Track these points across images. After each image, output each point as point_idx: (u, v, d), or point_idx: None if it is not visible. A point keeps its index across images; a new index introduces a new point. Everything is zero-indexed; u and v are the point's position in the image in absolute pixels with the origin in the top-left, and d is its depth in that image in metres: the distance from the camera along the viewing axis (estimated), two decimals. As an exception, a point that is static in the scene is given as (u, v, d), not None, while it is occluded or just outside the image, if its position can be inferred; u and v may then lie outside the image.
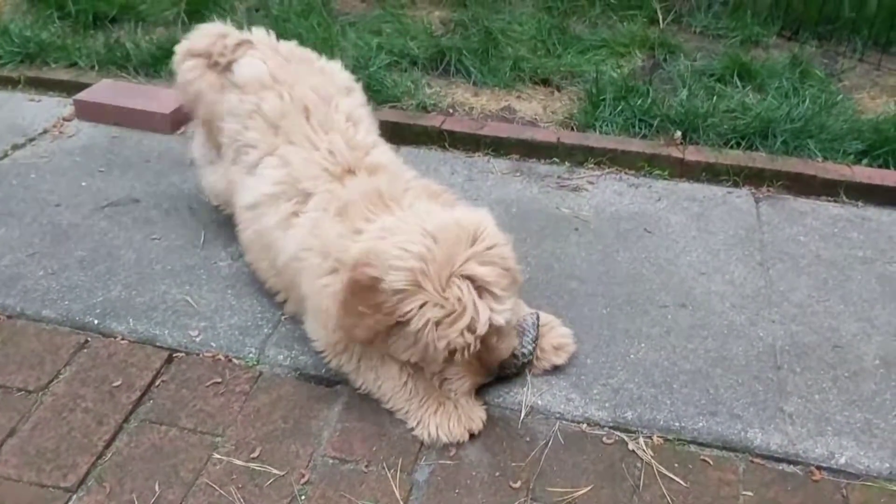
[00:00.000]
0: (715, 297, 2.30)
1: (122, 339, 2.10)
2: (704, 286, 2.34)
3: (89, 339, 2.09)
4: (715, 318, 2.22)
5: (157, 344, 2.08)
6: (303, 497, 1.71)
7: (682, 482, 1.76)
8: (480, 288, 1.69)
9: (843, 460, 1.82)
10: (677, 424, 1.88)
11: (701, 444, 1.85)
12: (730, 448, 1.85)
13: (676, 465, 1.80)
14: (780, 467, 1.81)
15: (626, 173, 2.88)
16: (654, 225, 2.60)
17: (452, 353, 1.70)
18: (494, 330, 1.73)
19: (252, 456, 1.79)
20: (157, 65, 3.36)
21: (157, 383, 1.98)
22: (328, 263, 1.81)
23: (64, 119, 3.09)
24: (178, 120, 3.02)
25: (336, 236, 1.81)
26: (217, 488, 1.72)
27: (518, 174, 2.87)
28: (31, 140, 2.95)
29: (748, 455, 1.83)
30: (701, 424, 1.89)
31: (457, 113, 3.15)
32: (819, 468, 1.81)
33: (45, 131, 3.01)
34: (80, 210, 2.56)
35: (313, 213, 1.92)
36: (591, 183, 2.82)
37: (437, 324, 1.67)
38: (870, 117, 3.08)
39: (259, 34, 2.29)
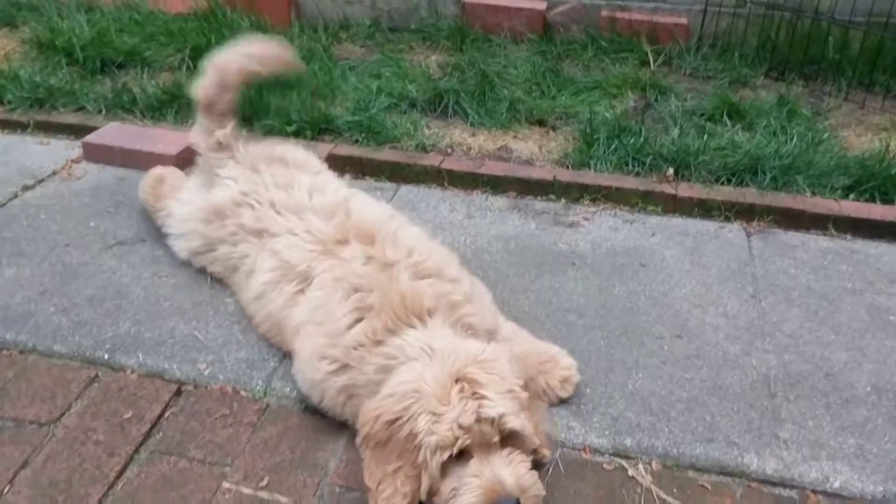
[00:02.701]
0: (709, 328, 2.36)
1: (132, 372, 2.15)
2: (699, 318, 2.40)
3: (99, 373, 2.14)
4: (710, 348, 2.28)
5: (166, 377, 2.13)
6: (311, 525, 1.75)
7: (680, 505, 1.81)
8: (476, 390, 1.72)
9: (837, 484, 1.86)
10: (675, 451, 1.93)
11: (699, 470, 1.90)
12: (727, 473, 1.89)
13: (675, 490, 1.85)
14: (777, 491, 1.86)
15: (620, 209, 2.96)
16: (648, 259, 2.67)
17: (446, 450, 1.69)
18: (505, 433, 1.73)
19: (261, 485, 1.83)
20: (162, 108, 3.46)
21: (166, 415, 2.02)
22: (336, 353, 1.89)
23: (72, 161, 3.17)
24: (183, 161, 3.10)
25: (353, 342, 1.87)
26: (227, 517, 1.76)
27: (516, 211, 2.95)
28: (41, 181, 3.03)
29: (745, 480, 1.88)
30: (698, 451, 1.93)
31: (455, 153, 3.24)
32: (814, 492, 1.85)
33: (55, 173, 3.09)
34: (88, 249, 2.63)
35: (317, 291, 2.01)
36: (586, 219, 2.90)
37: (434, 421, 1.69)
38: (856, 153, 3.18)
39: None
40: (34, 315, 2.33)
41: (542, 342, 2.15)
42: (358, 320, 1.89)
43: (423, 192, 3.06)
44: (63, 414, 2.01)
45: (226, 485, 1.83)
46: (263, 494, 1.81)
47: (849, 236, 2.83)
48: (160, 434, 1.97)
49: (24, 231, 2.72)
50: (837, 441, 1.97)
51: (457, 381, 1.71)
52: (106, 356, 2.19)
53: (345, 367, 1.87)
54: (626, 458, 1.92)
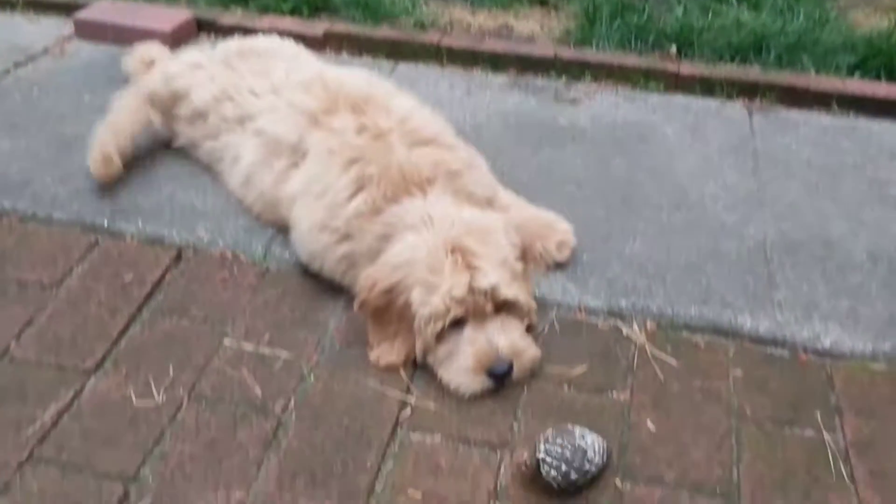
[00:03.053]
0: (708, 199, 2.36)
1: (132, 238, 2.16)
2: (698, 189, 2.40)
3: (99, 239, 2.15)
4: (708, 218, 2.28)
5: (166, 243, 2.14)
6: (312, 377, 1.79)
7: (674, 363, 1.84)
8: (470, 260, 1.73)
9: (828, 343, 1.90)
10: (670, 311, 1.96)
11: (693, 330, 1.93)
12: (720, 333, 1.92)
13: (669, 347, 1.88)
14: (769, 350, 1.89)
15: (622, 87, 2.92)
16: (649, 134, 2.65)
17: (440, 319, 1.72)
18: (499, 302, 1.75)
19: (262, 342, 1.86)
20: (156, -15, 3.37)
21: (166, 278, 2.04)
22: (337, 223, 1.89)
23: (64, 39, 3.11)
24: (178, 38, 3.05)
25: (353, 212, 1.87)
26: (228, 369, 1.79)
27: (516, 88, 2.90)
28: (32, 58, 2.97)
29: (738, 339, 1.91)
30: (693, 311, 1.96)
31: (454, 30, 3.17)
32: (805, 350, 1.89)
33: (46, 50, 3.03)
34: (83, 122, 2.58)
35: (313, 165, 1.98)
36: (587, 96, 2.86)
37: (427, 292, 1.71)
38: (863, 31, 3.12)
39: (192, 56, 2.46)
40: (32, 184, 2.32)
41: (539, 209, 2.14)
42: (358, 191, 1.88)
43: (421, 70, 3.01)
44: (65, 277, 2.03)
45: (227, 342, 1.86)
46: (265, 350, 1.84)
47: (852, 114, 2.80)
48: (161, 296, 1.99)
49: (17, 105, 2.69)
50: (830, 303, 2.00)
51: (452, 251, 1.72)
52: (105, 223, 2.19)
53: (346, 237, 1.88)
54: (621, 318, 1.95)
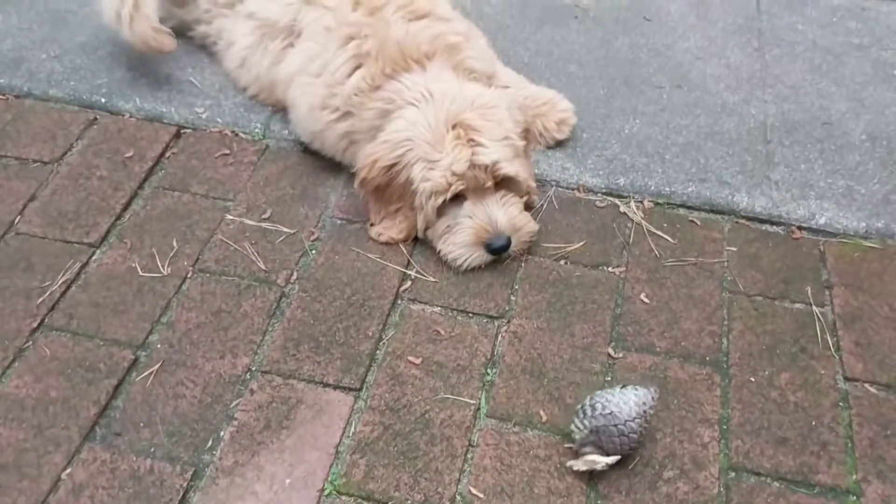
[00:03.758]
0: (710, 79, 2.34)
1: (130, 116, 2.15)
2: (700, 69, 2.37)
3: (98, 116, 2.14)
4: (709, 97, 2.27)
5: (165, 120, 2.14)
6: (313, 251, 1.82)
7: (669, 239, 1.87)
8: (472, 136, 1.73)
9: (822, 221, 1.93)
10: (667, 189, 1.98)
11: (689, 208, 1.96)
12: (717, 211, 1.95)
13: (665, 225, 1.91)
14: (764, 227, 1.92)
15: (627, -36, 2.84)
16: (653, 13, 2.60)
17: (440, 195, 1.74)
18: (498, 178, 1.77)
19: (263, 217, 1.89)
20: None
21: (167, 155, 2.05)
22: (337, 102, 1.87)
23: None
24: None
25: (352, 90, 1.84)
26: (231, 243, 1.82)
27: (518, -35, 2.82)
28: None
29: (734, 217, 1.94)
30: (690, 189, 1.98)
31: None
32: (800, 228, 1.92)
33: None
34: (74, -3, 2.54)
35: (309, 43, 1.94)
36: (591, -26, 2.78)
37: (429, 168, 1.72)
38: None
39: None
40: (27, 61, 2.29)
41: (540, 87, 2.13)
42: (357, 67, 1.85)
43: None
44: (65, 153, 2.03)
45: (229, 216, 1.89)
46: (266, 225, 1.87)
47: (863, -6, 2.74)
48: (162, 172, 2.00)
49: (4, -23, 2.62)
50: (827, 182, 2.01)
51: (453, 126, 1.72)
52: (103, 100, 2.18)
53: (346, 115, 1.87)
54: (619, 196, 1.97)
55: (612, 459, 1.41)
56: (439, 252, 1.80)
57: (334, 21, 1.92)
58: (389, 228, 1.84)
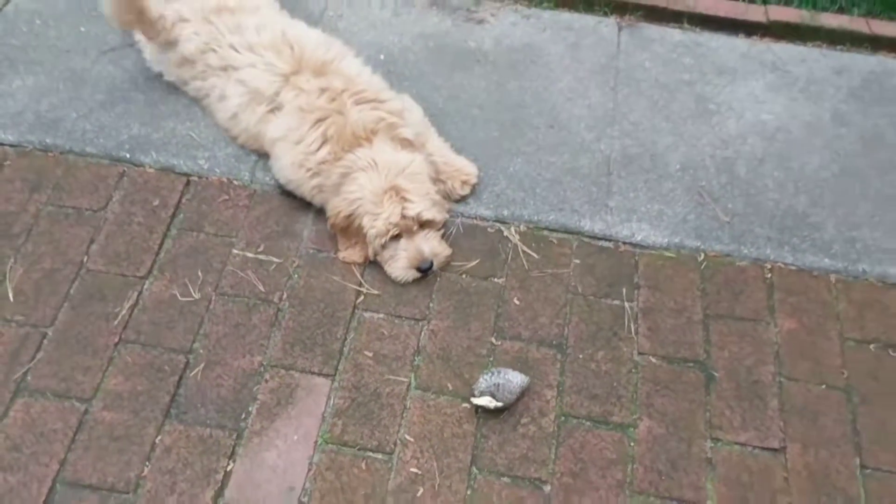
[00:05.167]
0: (575, 119, 3.18)
1: (150, 167, 2.92)
2: (569, 110, 3.21)
3: (125, 169, 2.91)
4: (573, 136, 3.12)
5: (177, 171, 2.92)
6: (296, 276, 2.68)
7: (535, 255, 2.78)
8: (402, 195, 2.57)
9: (639, 238, 2.84)
10: (536, 217, 2.86)
11: (550, 230, 2.85)
12: (569, 232, 2.84)
13: (533, 244, 2.81)
14: (600, 244, 2.83)
15: (520, 5, 3.60)
16: (538, 56, 3.40)
17: (382, 237, 2.58)
18: (422, 222, 2.62)
19: (259, 250, 2.73)
20: None
21: (183, 201, 2.84)
22: (310, 165, 2.67)
23: (45, -42, 3.59)
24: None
25: (321, 159, 2.64)
26: (239, 272, 2.67)
27: (435, 7, 3.56)
28: (25, -17, 3.49)
29: (580, 236, 2.84)
30: (552, 217, 2.87)
31: (383, -54, 3.74)
32: (624, 243, 2.83)
33: (33, -27, 3.54)
34: (87, 56, 3.23)
35: (288, 118, 2.72)
36: (492, 15, 3.55)
37: (373, 219, 2.57)
38: (721, -53, 3.79)
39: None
40: (63, 120, 3.02)
41: (456, 156, 2.92)
42: (323, 144, 2.66)
43: (357, -12, 3.63)
44: (108, 203, 2.82)
45: (234, 251, 2.73)
46: (262, 256, 2.72)
47: (698, 30, 3.56)
48: (182, 216, 2.81)
49: (27, 38, 3.28)
50: (646, 207, 2.92)
51: (389, 189, 2.57)
52: (128, 155, 2.94)
53: (316, 174, 2.69)
54: (503, 223, 2.86)
55: (500, 405, 2.37)
56: (387, 273, 2.69)
57: (306, 103, 2.71)
58: (351, 254, 2.71)
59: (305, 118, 2.70)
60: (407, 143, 2.76)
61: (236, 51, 2.87)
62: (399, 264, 2.65)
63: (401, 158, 2.66)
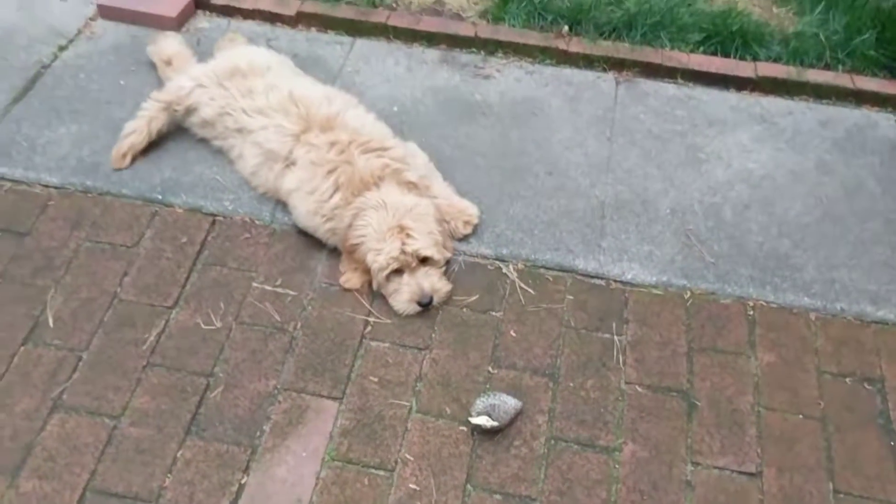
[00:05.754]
0: (572, 166, 3.42)
1: (179, 208, 3.19)
2: (567, 158, 3.45)
3: (157, 209, 3.18)
4: (570, 182, 3.36)
5: (204, 211, 3.18)
6: (309, 307, 2.91)
7: (531, 291, 2.99)
8: (406, 232, 2.81)
9: (629, 276, 3.04)
10: (533, 256, 3.08)
11: (546, 268, 3.06)
12: (564, 270, 3.06)
13: (530, 281, 3.02)
14: (593, 281, 3.04)
15: (525, 62, 3.87)
16: (539, 108, 3.66)
17: (384, 271, 2.82)
18: (421, 258, 2.85)
19: (276, 284, 2.97)
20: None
21: (208, 239, 3.10)
22: (324, 212, 2.93)
23: (90, 19, 3.94)
24: (182, 20, 3.91)
25: (333, 206, 2.91)
26: (258, 303, 2.91)
27: (445, 64, 3.85)
28: (71, 41, 3.83)
29: (574, 274, 3.05)
30: (548, 256, 3.09)
31: (398, 8, 4.05)
32: (615, 281, 3.03)
33: (80, 32, 3.88)
34: (125, 107, 3.53)
35: (302, 172, 2.98)
36: (498, 71, 3.83)
37: (376, 254, 2.81)
38: (714, 8, 4.05)
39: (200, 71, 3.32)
40: (102, 164, 3.31)
41: (459, 198, 3.16)
42: (335, 192, 2.92)
43: (373, 46, 3.92)
44: (140, 239, 3.08)
45: (254, 284, 2.97)
46: (279, 289, 2.96)
47: (691, 84, 3.81)
48: (207, 252, 3.06)
49: (72, 91, 3.60)
50: (637, 248, 3.13)
51: (393, 227, 2.81)
52: (159, 196, 3.21)
53: (330, 219, 2.94)
54: (502, 261, 3.08)
55: (495, 425, 2.55)
56: (390, 305, 2.91)
57: (318, 158, 2.97)
58: (351, 278, 2.94)
59: (318, 171, 2.96)
60: (412, 186, 3.00)
61: (248, 115, 3.15)
62: (401, 297, 2.87)
63: (408, 200, 2.91)
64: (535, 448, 2.59)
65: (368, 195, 2.90)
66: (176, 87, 3.32)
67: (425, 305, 2.88)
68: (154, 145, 3.38)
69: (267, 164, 3.10)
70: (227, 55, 3.42)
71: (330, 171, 2.94)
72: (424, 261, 2.89)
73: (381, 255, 2.82)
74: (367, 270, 2.91)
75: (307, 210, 2.98)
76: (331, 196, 2.93)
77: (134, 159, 3.31)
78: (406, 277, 2.87)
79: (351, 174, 2.92)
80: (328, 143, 2.99)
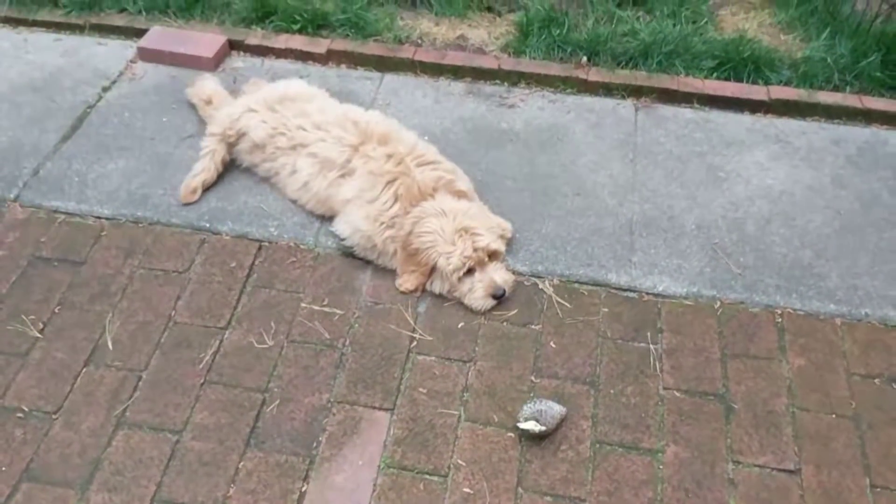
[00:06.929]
0: (599, 187, 3.58)
1: (227, 235, 3.33)
2: (594, 180, 3.61)
3: (206, 237, 3.33)
4: (598, 202, 3.51)
5: (250, 237, 3.32)
6: (356, 325, 3.04)
7: (568, 305, 3.12)
8: (471, 232, 2.98)
9: (660, 289, 3.18)
10: (567, 272, 3.22)
11: (580, 283, 3.20)
12: (597, 284, 3.19)
13: (566, 295, 3.15)
14: (625, 294, 3.17)
15: (547, 91, 4.05)
16: (563, 134, 3.83)
17: (460, 270, 2.97)
18: (490, 253, 3.02)
19: (323, 304, 3.10)
20: (190, 8, 4.34)
21: (256, 263, 3.24)
22: (384, 219, 3.08)
23: (131, 61, 4.13)
24: (218, 60, 4.10)
25: (393, 214, 3.07)
26: (307, 322, 3.04)
27: (471, 95, 4.03)
28: (114, 82, 4.02)
29: (608, 288, 3.19)
30: (581, 272, 3.22)
31: (424, 44, 4.24)
32: (647, 293, 3.17)
33: (121, 73, 4.07)
34: (169, 142, 3.70)
35: (361, 181, 3.15)
36: (522, 101, 4.00)
37: (448, 257, 2.96)
38: (725, 36, 4.25)
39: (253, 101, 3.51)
40: (151, 197, 3.46)
41: (494, 215, 3.31)
42: (395, 202, 3.10)
43: (401, 80, 4.11)
44: (191, 265, 3.22)
45: (303, 304, 3.10)
46: (326, 309, 3.08)
47: (707, 108, 3.98)
48: (255, 275, 3.20)
49: (118, 128, 3.77)
50: (666, 262, 3.27)
51: (459, 229, 2.99)
52: (207, 225, 3.36)
53: (390, 226, 3.10)
54: (538, 277, 3.21)
55: (543, 429, 2.66)
56: (466, 305, 3.06)
57: (377, 167, 3.14)
58: (407, 280, 3.09)
59: (377, 181, 3.13)
60: (463, 195, 3.18)
61: (305, 130, 3.32)
62: (477, 295, 3.03)
63: (461, 205, 3.10)
64: (581, 451, 2.69)
65: (425, 204, 3.08)
66: (226, 115, 3.49)
67: (499, 297, 3.04)
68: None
69: (322, 173, 3.25)
70: (272, 86, 3.61)
71: (389, 182, 3.11)
72: (491, 256, 3.07)
73: (453, 256, 2.99)
74: (424, 273, 3.06)
75: (366, 215, 3.13)
76: (392, 205, 3.10)
77: (211, 187, 3.49)
78: (478, 275, 3.04)
79: (409, 185, 3.09)
80: (385, 154, 3.17)
